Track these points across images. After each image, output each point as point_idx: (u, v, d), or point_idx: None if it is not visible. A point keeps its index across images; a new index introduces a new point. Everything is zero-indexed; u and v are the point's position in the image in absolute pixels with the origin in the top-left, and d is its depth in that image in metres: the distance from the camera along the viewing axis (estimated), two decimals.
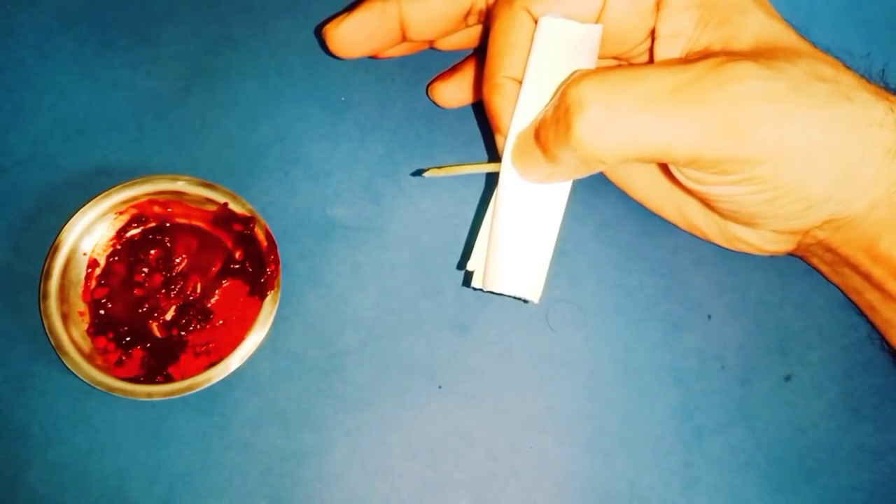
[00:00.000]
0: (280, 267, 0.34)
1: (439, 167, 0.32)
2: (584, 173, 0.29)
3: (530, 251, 0.30)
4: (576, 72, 0.28)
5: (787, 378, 0.35)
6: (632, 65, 0.32)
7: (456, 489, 0.34)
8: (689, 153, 0.26)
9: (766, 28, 0.28)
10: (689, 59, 0.27)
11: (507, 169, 0.30)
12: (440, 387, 0.35)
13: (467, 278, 0.35)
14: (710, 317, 0.36)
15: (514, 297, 0.31)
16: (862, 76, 0.28)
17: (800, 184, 0.27)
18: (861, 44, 0.32)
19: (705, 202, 0.31)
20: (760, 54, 0.27)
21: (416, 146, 0.37)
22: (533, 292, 0.30)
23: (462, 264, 0.36)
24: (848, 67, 0.28)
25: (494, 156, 0.31)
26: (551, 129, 0.27)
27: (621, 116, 0.25)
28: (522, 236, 0.30)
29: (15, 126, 0.37)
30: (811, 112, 0.26)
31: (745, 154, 0.26)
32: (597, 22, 0.30)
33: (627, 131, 0.25)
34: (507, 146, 0.30)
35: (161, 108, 0.37)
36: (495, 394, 0.35)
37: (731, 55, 0.27)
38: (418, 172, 0.36)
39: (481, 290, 0.31)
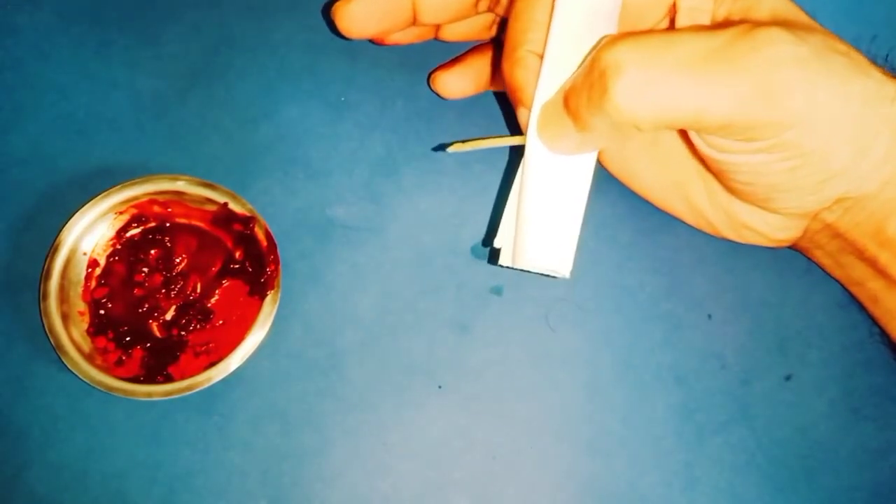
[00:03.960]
0: (280, 267, 0.34)
1: (463, 141, 0.32)
2: (614, 141, 0.28)
3: (559, 225, 0.30)
4: (605, 37, 0.28)
5: (788, 377, 0.35)
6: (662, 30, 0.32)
7: (456, 489, 0.34)
8: (723, 118, 0.26)
9: (781, 5, 0.29)
10: (718, 24, 0.28)
11: (532, 141, 0.30)
12: (440, 387, 0.35)
13: (493, 256, 0.35)
14: (710, 316, 0.36)
15: (544, 274, 0.30)
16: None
17: (822, 152, 0.27)
18: (861, 43, 0.32)
19: (722, 176, 0.30)
20: (779, 25, 0.27)
21: (417, 146, 0.37)
22: (564, 266, 0.30)
23: (487, 241, 0.35)
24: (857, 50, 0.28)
25: (518, 133, 0.31)
26: (584, 95, 0.27)
27: (658, 80, 0.25)
28: (551, 210, 0.30)
29: (15, 126, 0.37)
30: (833, 80, 0.26)
31: (776, 118, 0.26)
32: None
33: (664, 95, 0.25)
34: (532, 118, 0.30)
35: (161, 108, 0.37)
36: (495, 394, 0.35)
37: (757, 23, 0.27)
38: (441, 147, 0.36)
39: (510, 267, 0.31)
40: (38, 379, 0.34)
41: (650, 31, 0.27)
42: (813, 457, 0.34)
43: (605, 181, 0.36)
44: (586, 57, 0.28)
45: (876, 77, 0.27)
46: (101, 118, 0.37)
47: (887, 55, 0.34)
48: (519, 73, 0.30)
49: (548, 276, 0.30)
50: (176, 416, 0.34)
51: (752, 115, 0.26)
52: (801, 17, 0.29)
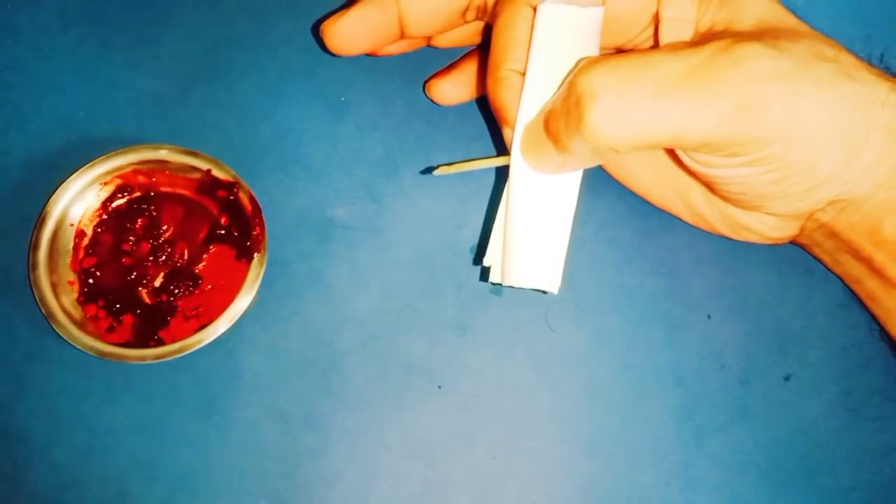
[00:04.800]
0: (265, 230, 0.34)
1: (449, 164, 0.32)
2: (596, 162, 0.29)
3: (546, 242, 0.30)
4: (582, 59, 0.28)
5: (787, 378, 0.35)
6: (639, 50, 0.32)
7: (456, 489, 0.34)
8: (703, 137, 0.26)
9: (766, 10, 0.29)
10: (695, 43, 0.28)
11: (516, 161, 0.30)
12: (440, 387, 0.35)
13: (484, 274, 0.35)
14: (709, 316, 0.36)
15: (534, 290, 0.30)
16: (861, 59, 0.28)
17: (808, 162, 0.27)
18: (858, 40, 0.32)
19: (712, 187, 0.30)
20: (763, 34, 0.27)
21: (416, 146, 0.37)
22: (552, 283, 0.30)
23: (477, 259, 0.36)
24: (848, 50, 0.28)
25: (503, 150, 0.31)
26: (562, 120, 0.27)
27: (634, 104, 0.25)
28: (537, 228, 0.30)
29: (15, 126, 0.37)
30: (818, 90, 0.26)
31: (758, 134, 0.26)
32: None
33: (641, 119, 0.25)
34: (516, 139, 0.30)
35: (161, 108, 0.37)
36: (495, 394, 0.35)
37: (736, 36, 0.27)
38: (428, 170, 0.36)
39: (500, 284, 0.31)
40: (37, 379, 0.34)
41: (626, 53, 0.27)
42: (812, 457, 0.34)
43: (605, 182, 0.36)
44: (566, 77, 0.28)
45: (864, 80, 0.27)
46: (101, 118, 0.37)
47: (882, 54, 0.34)
48: (501, 92, 0.30)
49: (538, 290, 0.31)
50: (176, 416, 0.34)
51: (732, 134, 0.26)
52: (789, 20, 0.29)
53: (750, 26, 0.28)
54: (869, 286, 0.32)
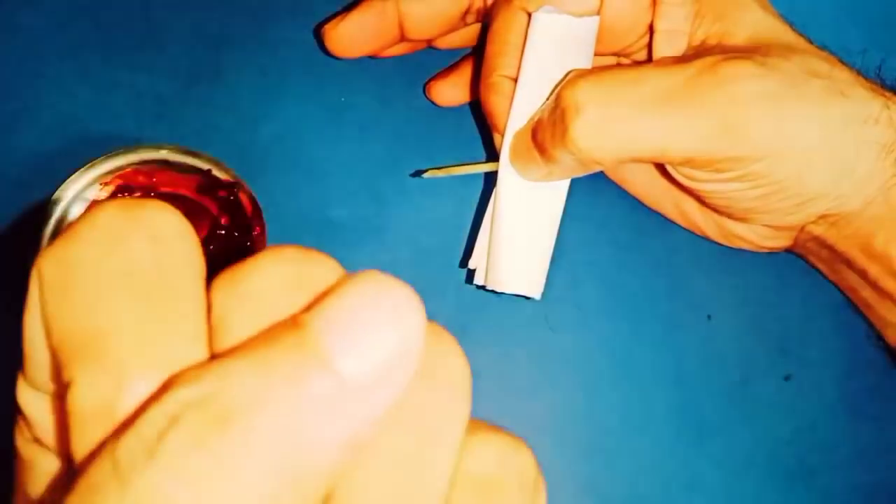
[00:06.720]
0: (266, 231, 0.34)
1: (438, 168, 0.32)
2: (581, 173, 0.29)
3: (531, 249, 0.30)
4: (571, 72, 0.28)
5: (787, 378, 0.35)
6: (629, 64, 0.32)
7: None
8: (686, 154, 0.26)
9: (762, 23, 0.29)
10: (684, 58, 0.28)
11: (505, 168, 0.30)
12: None
13: (470, 276, 0.35)
14: (709, 317, 0.36)
15: (516, 295, 0.31)
16: (858, 72, 0.28)
17: (795, 179, 0.27)
18: (859, 43, 0.32)
19: (700, 199, 0.31)
20: (756, 50, 0.27)
21: (416, 146, 0.37)
22: (534, 290, 0.30)
23: (464, 262, 0.36)
24: (844, 63, 0.28)
25: (493, 155, 0.31)
26: (548, 131, 0.27)
27: (618, 119, 0.25)
28: (522, 234, 0.30)
29: (15, 126, 0.37)
30: (806, 109, 0.26)
31: (741, 153, 0.26)
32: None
33: (624, 134, 0.25)
34: (505, 145, 0.30)
35: (161, 108, 0.37)
36: (495, 394, 0.35)
37: (726, 52, 0.27)
38: (418, 173, 0.36)
39: (483, 287, 0.31)
40: None
41: (614, 68, 0.27)
42: (812, 457, 0.34)
43: (605, 182, 0.36)
44: (555, 87, 0.29)
45: (857, 97, 0.27)
46: (101, 118, 0.37)
47: (879, 66, 0.34)
48: (493, 98, 0.30)
49: (520, 296, 0.31)
50: None
51: (714, 151, 0.26)
52: (785, 35, 0.29)
53: (743, 41, 0.28)
54: (864, 295, 0.32)
